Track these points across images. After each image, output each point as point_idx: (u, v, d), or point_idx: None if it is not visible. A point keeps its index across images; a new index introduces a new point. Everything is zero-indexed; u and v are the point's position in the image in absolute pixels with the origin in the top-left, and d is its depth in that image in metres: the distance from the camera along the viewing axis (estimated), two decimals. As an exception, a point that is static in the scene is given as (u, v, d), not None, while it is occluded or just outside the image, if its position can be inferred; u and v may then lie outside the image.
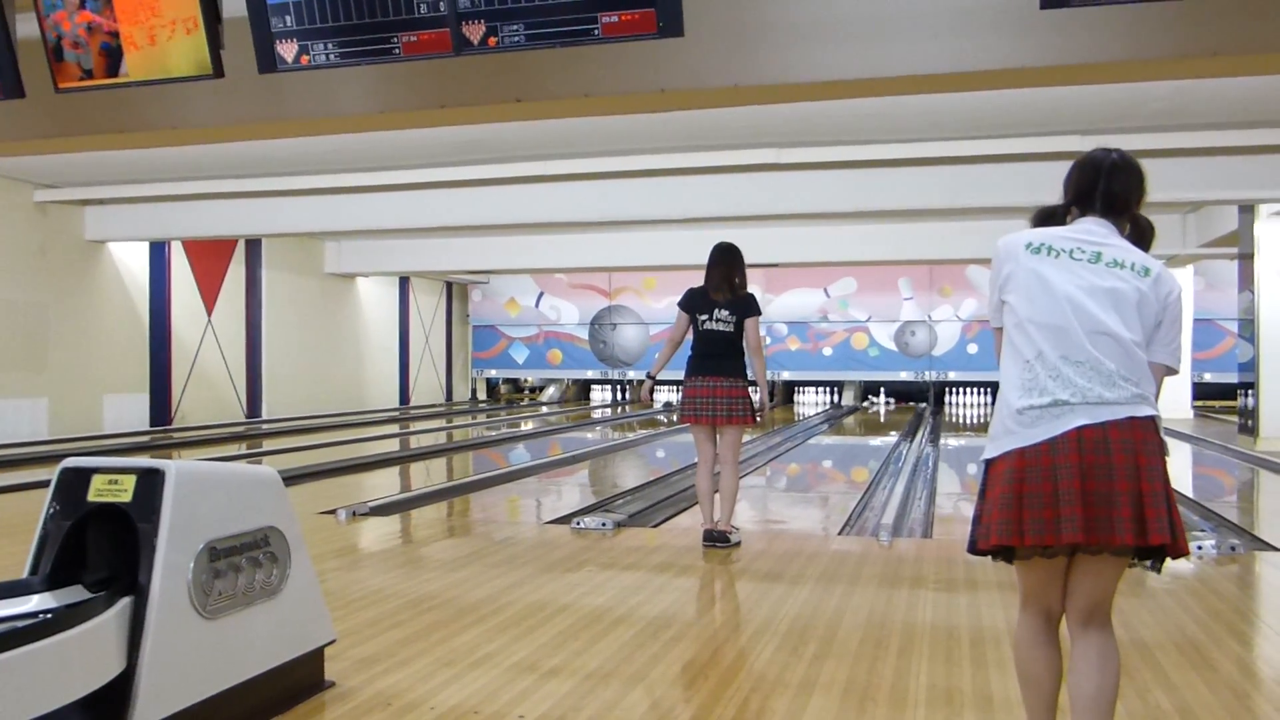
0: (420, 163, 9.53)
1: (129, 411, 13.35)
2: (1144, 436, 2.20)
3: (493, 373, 23.08)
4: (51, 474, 2.68)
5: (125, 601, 2.47)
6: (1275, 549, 5.55)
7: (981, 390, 20.39)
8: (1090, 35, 4.87)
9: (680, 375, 5.53)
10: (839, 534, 6.18)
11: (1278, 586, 4.94)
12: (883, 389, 21.70)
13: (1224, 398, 17.33)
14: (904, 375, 20.73)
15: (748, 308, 5.42)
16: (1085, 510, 2.15)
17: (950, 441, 13.29)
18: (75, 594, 2.49)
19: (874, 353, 20.79)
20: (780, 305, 20.94)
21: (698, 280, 5.55)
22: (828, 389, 21.68)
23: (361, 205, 11.42)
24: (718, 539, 5.39)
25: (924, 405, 20.24)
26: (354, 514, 6.38)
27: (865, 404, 21.46)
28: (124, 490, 2.58)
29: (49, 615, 2.35)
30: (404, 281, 20.46)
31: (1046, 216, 2.46)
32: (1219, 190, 9.18)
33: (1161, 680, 3.22)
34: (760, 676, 3.31)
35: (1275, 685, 3.29)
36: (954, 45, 5.10)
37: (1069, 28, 4.82)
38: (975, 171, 9.28)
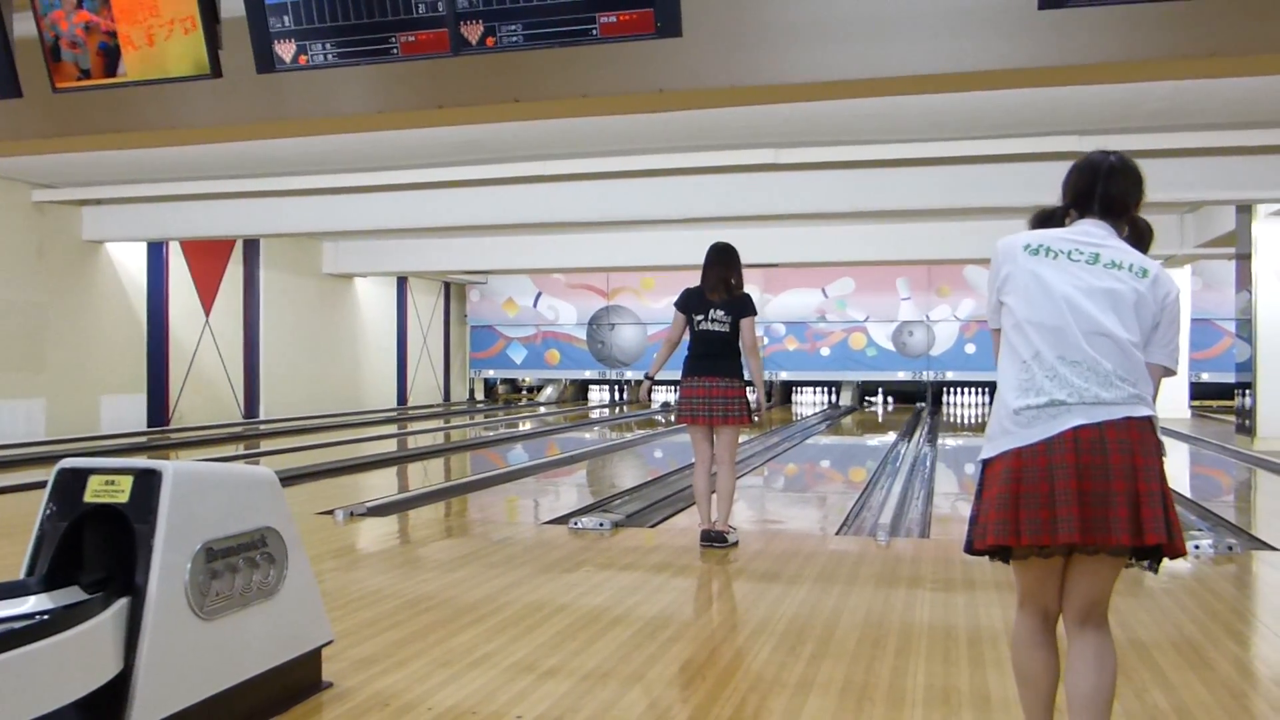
0: (418, 163, 9.52)
1: (126, 412, 13.34)
2: (1141, 436, 2.20)
3: (490, 373, 23.07)
4: (48, 475, 2.68)
5: (122, 602, 2.47)
6: (1272, 548, 5.56)
7: (979, 390, 20.41)
8: (1088, 36, 4.88)
9: (678, 375, 5.54)
10: (836, 534, 6.18)
11: (1275, 586, 4.94)
12: (880, 389, 21.71)
13: (1221, 398, 17.35)
14: (902, 375, 20.74)
15: (743, 308, 5.42)
16: (1081, 510, 2.16)
17: (948, 441, 13.30)
18: (72, 595, 2.49)
19: (872, 353, 20.80)
20: (778, 305, 20.95)
21: (696, 280, 5.55)
22: (825, 389, 21.69)
23: (359, 205, 11.41)
24: (715, 539, 5.40)
25: (922, 405, 20.25)
26: (352, 514, 6.38)
27: (864, 404, 21.46)
28: (121, 491, 2.57)
29: (46, 616, 2.35)
30: (402, 282, 20.45)
31: (1045, 218, 2.47)
32: (1217, 190, 9.18)
33: (1159, 680, 3.23)
34: (758, 676, 3.31)
35: (1272, 685, 3.29)
36: (951, 45, 5.10)
37: (1067, 28, 4.82)
38: (973, 172, 9.28)
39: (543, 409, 20.48)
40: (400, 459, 11.66)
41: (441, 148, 8.90)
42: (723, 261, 5.47)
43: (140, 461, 2.65)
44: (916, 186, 9.62)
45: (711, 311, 5.41)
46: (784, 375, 21.11)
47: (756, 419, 5.57)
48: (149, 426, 13.58)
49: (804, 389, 21.89)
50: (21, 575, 2.55)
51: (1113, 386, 2.21)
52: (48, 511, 2.61)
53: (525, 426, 16.51)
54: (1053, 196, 2.48)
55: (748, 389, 5.44)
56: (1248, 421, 12.08)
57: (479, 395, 23.22)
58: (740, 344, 5.41)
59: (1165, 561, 2.28)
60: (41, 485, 2.72)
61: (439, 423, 17.02)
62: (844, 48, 5.17)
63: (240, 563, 2.77)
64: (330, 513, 6.35)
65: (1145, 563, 2.29)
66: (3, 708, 2.12)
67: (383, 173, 9.80)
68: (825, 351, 21.02)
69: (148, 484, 2.57)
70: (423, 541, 6.10)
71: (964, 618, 4.04)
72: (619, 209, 10.72)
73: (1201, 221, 12.64)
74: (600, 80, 5.51)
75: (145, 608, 2.47)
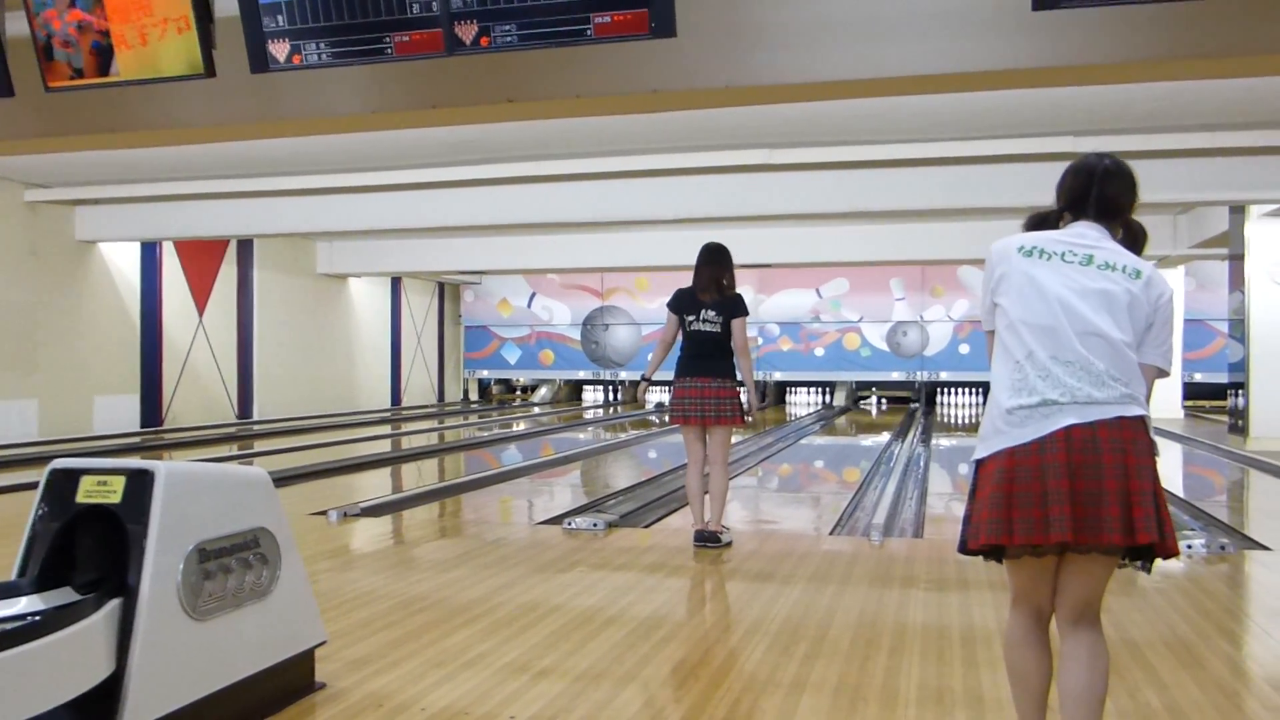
0: (412, 163, 9.50)
1: (120, 412, 13.31)
2: (1133, 436, 2.20)
3: (485, 373, 23.06)
4: (41, 475, 2.67)
5: (114, 603, 2.46)
6: (1265, 548, 5.57)
7: (973, 390, 20.44)
8: (1082, 37, 4.89)
9: (672, 375, 5.54)
10: (830, 534, 6.19)
11: (1267, 585, 4.96)
12: (874, 389, 21.74)
13: (1214, 398, 17.40)
14: (896, 375, 20.77)
15: (735, 308, 5.42)
16: (1074, 510, 2.16)
17: (942, 441, 13.32)
18: (64, 596, 2.48)
19: (866, 353, 20.82)
20: (772, 306, 20.97)
21: (690, 281, 5.55)
22: (819, 389, 21.71)
23: (353, 205, 11.39)
24: (709, 539, 5.40)
25: (915, 405, 20.28)
26: (345, 515, 6.37)
27: (859, 401, 21.49)
28: (113, 491, 2.57)
29: (37, 617, 2.34)
30: (396, 282, 20.43)
31: (1040, 221, 2.48)
32: (1210, 191, 9.20)
33: (1151, 679, 3.23)
34: (751, 676, 3.31)
35: (1264, 684, 3.30)
36: (946, 46, 5.11)
37: (1061, 29, 4.83)
38: (967, 172, 9.30)
39: (537, 409, 20.47)
40: (394, 459, 11.64)
41: (436, 148, 8.89)
42: (714, 262, 5.47)
43: (132, 462, 2.65)
44: (912, 187, 9.63)
45: (703, 312, 5.41)
46: (778, 376, 21.14)
47: (749, 419, 5.57)
48: (142, 427, 13.56)
49: (798, 389, 21.91)
50: (13, 576, 2.55)
51: (1105, 386, 2.22)
52: (40, 512, 2.60)
53: (519, 427, 16.50)
54: (1047, 197, 2.49)
55: (740, 389, 5.44)
56: (1241, 421, 12.11)
57: (473, 396, 23.22)
58: (732, 344, 5.41)
59: (1158, 561, 2.28)
60: (34, 486, 2.71)
61: (433, 423, 17.00)
62: (838, 48, 5.18)
63: (233, 563, 2.76)
64: (324, 513, 6.34)
65: (1138, 562, 2.29)
66: (-6, 709, 2.11)
67: (377, 173, 9.78)
68: (819, 352, 21.04)
69: (140, 484, 2.56)
70: (416, 542, 6.09)
71: (957, 617, 4.05)
72: (613, 209, 10.71)
73: (1195, 222, 12.67)
74: (595, 81, 5.52)
75: (138, 608, 2.47)
